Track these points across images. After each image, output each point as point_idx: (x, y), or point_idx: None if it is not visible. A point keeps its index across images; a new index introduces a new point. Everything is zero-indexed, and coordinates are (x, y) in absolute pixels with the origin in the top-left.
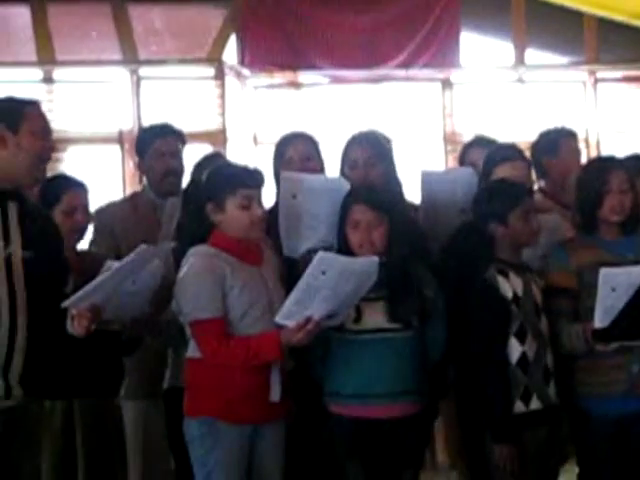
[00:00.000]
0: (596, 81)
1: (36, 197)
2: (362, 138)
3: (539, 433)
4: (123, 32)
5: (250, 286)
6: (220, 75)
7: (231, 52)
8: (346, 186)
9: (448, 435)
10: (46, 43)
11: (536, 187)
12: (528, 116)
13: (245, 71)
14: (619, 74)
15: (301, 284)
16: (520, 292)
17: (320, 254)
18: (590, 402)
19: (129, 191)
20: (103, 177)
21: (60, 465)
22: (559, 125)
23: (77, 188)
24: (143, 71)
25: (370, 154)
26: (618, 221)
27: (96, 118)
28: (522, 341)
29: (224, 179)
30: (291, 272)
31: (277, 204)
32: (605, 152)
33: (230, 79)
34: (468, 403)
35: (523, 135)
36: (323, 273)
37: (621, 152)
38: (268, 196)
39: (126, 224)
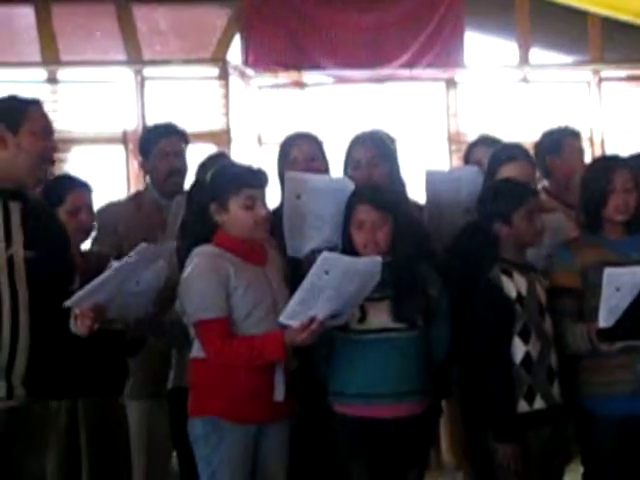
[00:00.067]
0: (600, 80)
1: (40, 197)
2: (366, 138)
3: (543, 433)
4: (127, 32)
5: (254, 286)
6: (224, 75)
7: (235, 52)
8: (350, 186)
9: (454, 435)
10: (50, 43)
11: (540, 187)
12: (532, 115)
13: (249, 71)
14: (623, 73)
15: (305, 284)
16: (524, 292)
17: (324, 254)
18: (595, 402)
19: (133, 191)
20: (107, 177)
21: (65, 465)
22: (562, 124)
23: (81, 188)
24: (147, 71)
25: (374, 154)
26: (622, 220)
27: (100, 118)
28: (526, 341)
29: (228, 179)
30: (295, 272)
31: (282, 204)
32: (609, 151)
33: (234, 79)
34: (472, 402)
35: (527, 134)
36: (327, 273)
37: (625, 151)
38: (272, 196)
39: (129, 223)
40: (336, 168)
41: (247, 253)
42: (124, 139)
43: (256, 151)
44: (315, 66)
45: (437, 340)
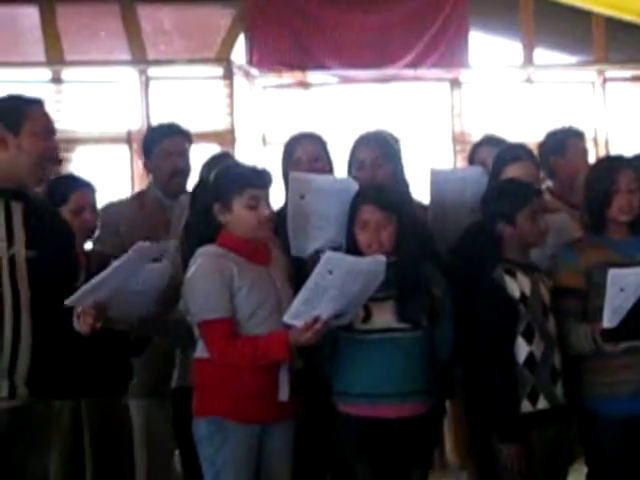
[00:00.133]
0: (605, 80)
1: (43, 196)
2: (370, 138)
3: (546, 433)
4: (132, 32)
5: (258, 286)
6: (229, 75)
7: (239, 52)
8: (355, 186)
9: (458, 435)
10: (55, 43)
11: (544, 187)
12: (537, 116)
13: (254, 71)
14: (628, 73)
15: (309, 284)
16: (528, 292)
17: (327, 254)
18: (598, 402)
19: (136, 190)
20: (112, 177)
21: (68, 465)
22: (566, 125)
23: (84, 188)
24: (152, 71)
25: (377, 154)
26: (627, 221)
27: (105, 118)
28: (529, 341)
29: (231, 179)
30: (299, 272)
31: (286, 204)
32: (614, 151)
33: (239, 79)
34: (476, 402)
35: (532, 135)
36: (330, 273)
37: (630, 151)
38: (276, 196)
39: (132, 222)
40: (340, 168)
41: (251, 253)
42: (128, 139)
43: (260, 151)
44: (319, 66)
45: (441, 340)
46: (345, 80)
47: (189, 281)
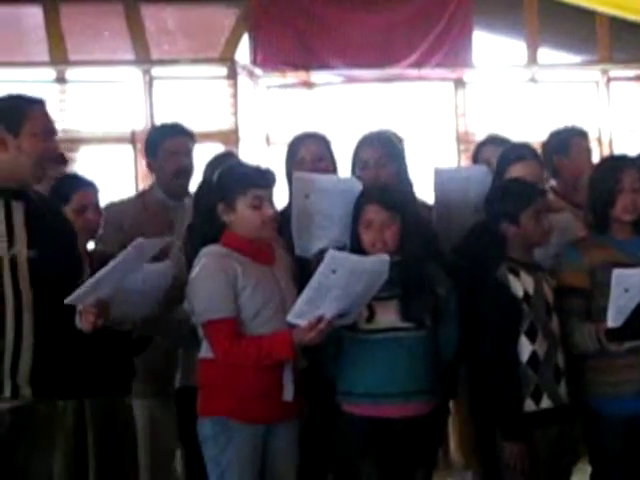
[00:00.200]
0: (609, 80)
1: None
2: (373, 138)
3: (550, 432)
4: (135, 32)
5: (262, 285)
6: (232, 75)
7: (243, 52)
8: (359, 186)
9: (462, 434)
10: (58, 43)
11: (547, 186)
12: (541, 115)
13: (257, 71)
14: (632, 73)
15: (312, 283)
16: (531, 291)
17: (330, 253)
18: (601, 402)
19: (139, 190)
20: (116, 177)
21: (72, 465)
22: (570, 124)
23: (87, 187)
24: (155, 71)
25: (381, 154)
26: (630, 220)
27: (109, 118)
28: (533, 340)
29: (235, 179)
30: (303, 271)
31: (290, 204)
32: (618, 151)
33: (242, 79)
34: (481, 402)
35: (536, 134)
36: (334, 272)
37: (634, 151)
38: (280, 196)
39: (136, 222)
40: (344, 168)
41: (255, 253)
42: (132, 139)
43: (264, 151)
44: (323, 66)
45: (445, 340)
46: (349, 80)
47: (193, 281)
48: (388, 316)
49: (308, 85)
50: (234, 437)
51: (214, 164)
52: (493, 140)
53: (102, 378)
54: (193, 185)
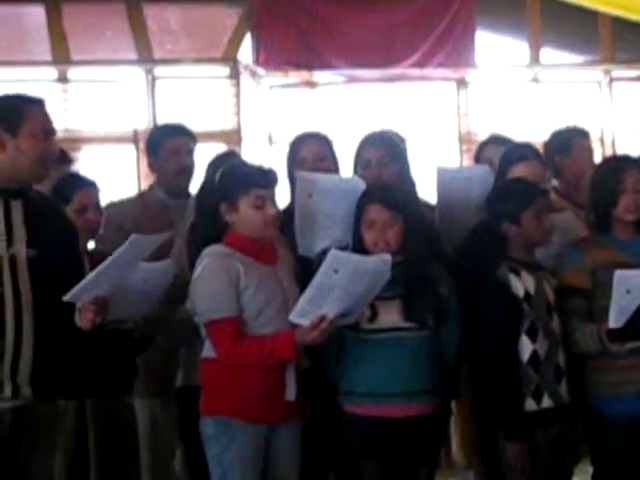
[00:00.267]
0: (611, 80)
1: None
2: (375, 138)
3: (551, 432)
4: (138, 31)
5: (265, 285)
6: (235, 74)
7: (246, 51)
8: (361, 186)
9: (465, 435)
10: (61, 42)
11: (549, 186)
12: (543, 115)
13: (260, 70)
14: (634, 73)
15: (314, 282)
16: (532, 290)
17: (332, 252)
18: (603, 402)
19: (139, 190)
20: (118, 177)
21: (72, 465)
22: (571, 124)
23: (88, 187)
24: (158, 70)
25: (383, 154)
26: (633, 220)
27: (111, 118)
28: (533, 339)
29: (237, 179)
30: (305, 271)
31: (292, 203)
32: (620, 151)
33: (245, 78)
34: (482, 401)
35: (538, 134)
36: (336, 272)
37: (636, 151)
38: (282, 196)
39: (137, 221)
40: (347, 168)
41: (257, 252)
42: (135, 138)
43: (267, 150)
44: (326, 65)
45: (447, 340)
46: (351, 79)
47: (196, 281)
48: (390, 316)
49: (310, 85)
50: (237, 437)
51: (216, 163)
52: (495, 140)
53: (103, 378)
54: (194, 185)
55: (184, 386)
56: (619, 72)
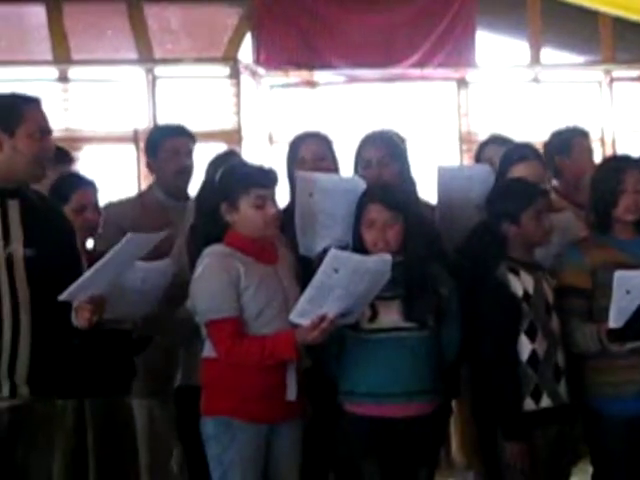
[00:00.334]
0: (612, 80)
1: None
2: (376, 137)
3: (550, 432)
4: (139, 31)
5: (265, 285)
6: (235, 74)
7: (246, 51)
8: (362, 185)
9: (464, 435)
10: (61, 42)
11: (549, 186)
12: (544, 115)
13: (260, 70)
14: (635, 73)
15: (314, 282)
16: (531, 290)
17: (332, 252)
18: (602, 402)
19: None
20: (118, 176)
21: (71, 464)
22: (571, 124)
23: (86, 186)
24: (158, 70)
25: (384, 153)
26: (633, 220)
27: (111, 117)
28: (532, 339)
29: (237, 179)
30: (306, 270)
31: (292, 203)
32: (621, 151)
33: (245, 78)
34: (481, 401)
35: (539, 134)
36: (336, 271)
37: (637, 151)
38: (281, 195)
39: (136, 222)
40: (347, 167)
41: (258, 252)
42: (135, 138)
43: (267, 150)
44: (326, 65)
45: (448, 340)
46: (352, 79)
47: (196, 281)
48: (391, 316)
49: (311, 84)
50: (237, 436)
51: (216, 163)
52: (495, 140)
53: (102, 378)
54: (193, 186)
55: (183, 386)
56: (620, 72)
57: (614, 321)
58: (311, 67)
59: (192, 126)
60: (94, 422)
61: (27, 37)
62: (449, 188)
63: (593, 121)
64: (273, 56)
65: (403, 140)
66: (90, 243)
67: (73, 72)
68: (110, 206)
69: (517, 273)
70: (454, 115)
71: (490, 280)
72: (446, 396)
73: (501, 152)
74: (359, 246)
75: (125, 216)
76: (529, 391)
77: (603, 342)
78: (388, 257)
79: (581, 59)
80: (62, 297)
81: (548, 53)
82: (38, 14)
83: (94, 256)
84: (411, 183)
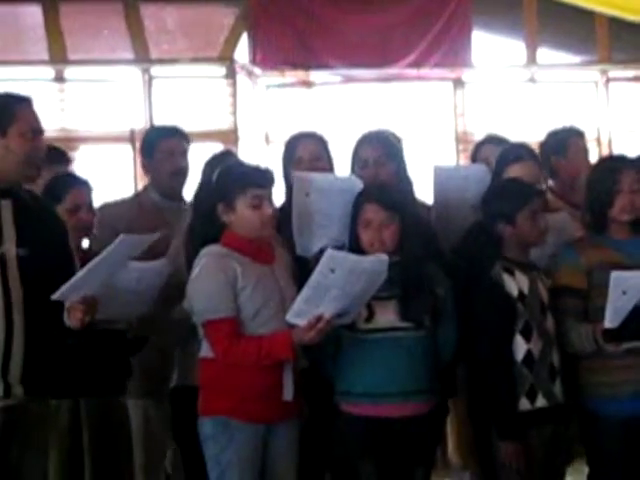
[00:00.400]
0: (608, 80)
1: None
2: (372, 137)
3: (545, 431)
4: (135, 31)
5: (262, 285)
6: (232, 74)
7: (243, 51)
8: (359, 185)
9: (461, 435)
10: (58, 42)
11: (545, 187)
12: (540, 115)
13: (257, 70)
14: (631, 73)
15: (311, 282)
16: (526, 290)
17: (329, 252)
18: (598, 403)
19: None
20: (115, 176)
21: (67, 464)
22: (567, 124)
23: (81, 186)
24: (155, 70)
25: (380, 153)
26: (629, 220)
27: (108, 117)
28: (527, 339)
29: (234, 179)
30: (302, 270)
31: (288, 202)
32: (617, 151)
33: (242, 78)
34: (477, 401)
35: (535, 134)
36: (332, 271)
37: (633, 151)
38: (277, 195)
39: (131, 223)
40: (344, 167)
41: (255, 252)
42: (131, 138)
43: (263, 150)
44: (322, 65)
45: (444, 340)
46: (348, 79)
47: (193, 281)
48: (387, 316)
49: (307, 84)
50: (235, 437)
51: (213, 163)
52: (492, 140)
53: (97, 377)
54: (188, 187)
55: (179, 386)
56: (616, 72)
57: (610, 321)
58: (307, 67)
59: (188, 126)
60: (89, 422)
61: (23, 37)
62: (445, 188)
63: (589, 121)
64: (269, 56)
65: (399, 140)
66: (86, 243)
67: (69, 72)
68: (106, 207)
69: (512, 273)
70: (450, 115)
71: (485, 280)
72: (443, 396)
73: (497, 152)
74: (355, 246)
75: (121, 217)
76: (524, 391)
77: (599, 342)
78: (384, 257)
79: (577, 59)
80: (54, 297)
81: (544, 53)
82: (34, 14)
83: (87, 256)
84: (408, 183)
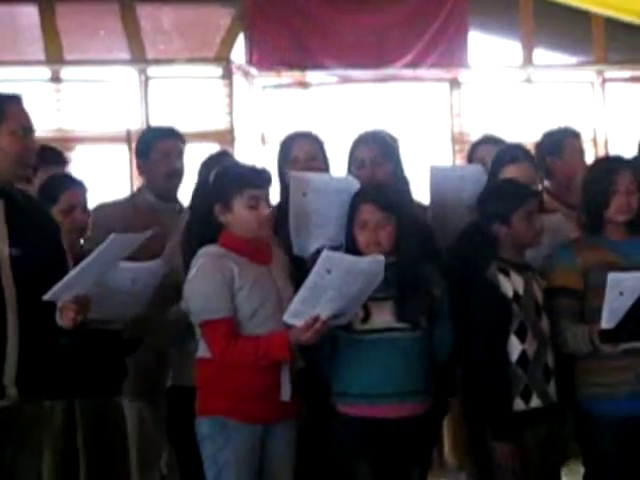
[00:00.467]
0: (604, 81)
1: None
2: (369, 137)
3: (539, 432)
4: (131, 31)
5: (259, 285)
6: (228, 75)
7: (239, 51)
8: (356, 185)
9: (457, 436)
10: (54, 42)
11: (541, 187)
12: (536, 116)
13: (253, 70)
14: (627, 74)
15: (308, 283)
16: (521, 291)
17: (325, 253)
18: (594, 403)
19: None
20: (111, 177)
21: (61, 465)
22: (563, 125)
23: (75, 187)
24: (151, 70)
25: (377, 153)
26: (624, 221)
27: (104, 117)
28: (522, 339)
29: (231, 179)
30: (299, 270)
31: (284, 202)
32: (613, 152)
33: (238, 78)
34: (472, 402)
35: (531, 135)
36: (329, 272)
37: (629, 152)
38: (273, 195)
39: (127, 224)
40: (340, 167)
41: (252, 252)
42: (128, 138)
43: (260, 150)
44: (319, 66)
45: (440, 341)
46: (344, 80)
47: (190, 281)
48: (383, 317)
49: (303, 85)
50: (232, 437)
51: (209, 164)
52: (488, 140)
53: (92, 378)
54: (183, 188)
55: (175, 386)
56: (612, 73)
57: (606, 322)
58: (303, 67)
59: (184, 126)
60: (84, 422)
61: (19, 37)
62: (441, 188)
63: (585, 122)
64: (265, 56)
65: (396, 140)
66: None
67: (65, 72)
68: (100, 208)
69: (507, 274)
70: (446, 115)
71: (480, 280)
72: (441, 396)
73: (493, 152)
74: (352, 247)
75: (116, 218)
76: (519, 391)
77: (595, 343)
78: (381, 258)
79: (573, 60)
80: (46, 297)
81: (540, 54)
82: (30, 14)
83: (80, 256)
84: (405, 183)
